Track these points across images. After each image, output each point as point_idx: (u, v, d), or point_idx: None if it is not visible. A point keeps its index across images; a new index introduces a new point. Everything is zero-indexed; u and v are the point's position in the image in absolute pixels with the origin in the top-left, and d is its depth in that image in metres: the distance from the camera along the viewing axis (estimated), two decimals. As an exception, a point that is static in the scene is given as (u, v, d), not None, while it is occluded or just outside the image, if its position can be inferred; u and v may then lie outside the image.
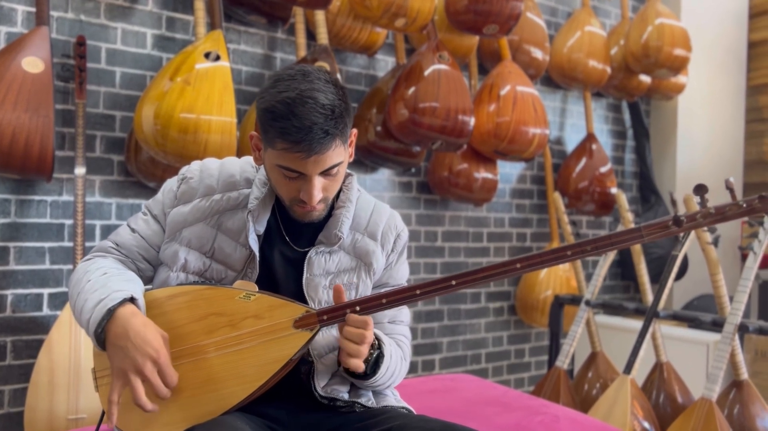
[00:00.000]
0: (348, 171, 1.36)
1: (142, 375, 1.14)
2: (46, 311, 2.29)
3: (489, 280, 1.22)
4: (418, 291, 1.22)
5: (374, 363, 1.29)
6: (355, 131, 1.29)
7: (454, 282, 1.22)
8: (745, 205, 1.19)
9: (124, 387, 1.16)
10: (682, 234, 2.52)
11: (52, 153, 2.06)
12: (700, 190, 1.21)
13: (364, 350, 1.20)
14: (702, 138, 4.05)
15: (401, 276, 1.46)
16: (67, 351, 2.10)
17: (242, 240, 1.31)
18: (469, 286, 1.23)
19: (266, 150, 1.23)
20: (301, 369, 1.33)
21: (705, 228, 2.37)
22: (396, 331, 1.42)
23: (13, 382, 2.24)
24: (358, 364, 1.20)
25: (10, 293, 2.23)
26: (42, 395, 2.05)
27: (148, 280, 1.38)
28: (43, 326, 2.28)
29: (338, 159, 1.21)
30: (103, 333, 1.18)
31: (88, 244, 2.34)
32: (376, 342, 1.29)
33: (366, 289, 1.37)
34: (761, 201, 1.19)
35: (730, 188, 1.22)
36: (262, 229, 1.32)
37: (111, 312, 1.17)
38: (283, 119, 1.15)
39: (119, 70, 2.42)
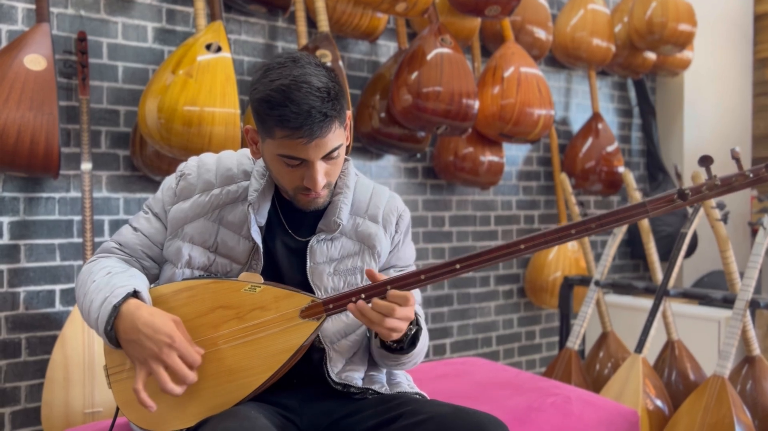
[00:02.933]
0: (345, 157, 1.36)
1: (163, 362, 1.14)
2: (58, 307, 2.31)
3: (493, 262, 1.20)
4: (422, 277, 1.21)
5: (413, 337, 1.30)
6: (350, 113, 1.28)
7: (458, 266, 1.20)
8: (752, 175, 1.15)
9: (147, 375, 1.16)
10: (691, 212, 2.50)
11: (58, 150, 2.06)
12: (705, 161, 1.17)
13: (404, 326, 1.20)
14: (709, 113, 4.01)
15: (408, 257, 1.46)
16: (81, 345, 2.12)
17: (244, 232, 1.31)
18: (475, 269, 1.21)
19: (264, 141, 1.22)
20: (313, 356, 1.33)
21: (713, 203, 2.36)
22: None
23: (28, 378, 2.26)
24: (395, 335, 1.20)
25: (22, 290, 2.25)
26: (58, 390, 2.07)
27: (153, 278, 1.38)
28: (56, 322, 2.30)
29: (338, 141, 1.21)
30: (113, 331, 1.18)
31: (97, 240, 2.35)
32: (415, 318, 1.29)
33: None
34: None
35: (735, 158, 1.17)
36: (263, 221, 1.32)
37: (116, 309, 1.18)
38: (280, 107, 1.14)
39: (121, 64, 2.42)
